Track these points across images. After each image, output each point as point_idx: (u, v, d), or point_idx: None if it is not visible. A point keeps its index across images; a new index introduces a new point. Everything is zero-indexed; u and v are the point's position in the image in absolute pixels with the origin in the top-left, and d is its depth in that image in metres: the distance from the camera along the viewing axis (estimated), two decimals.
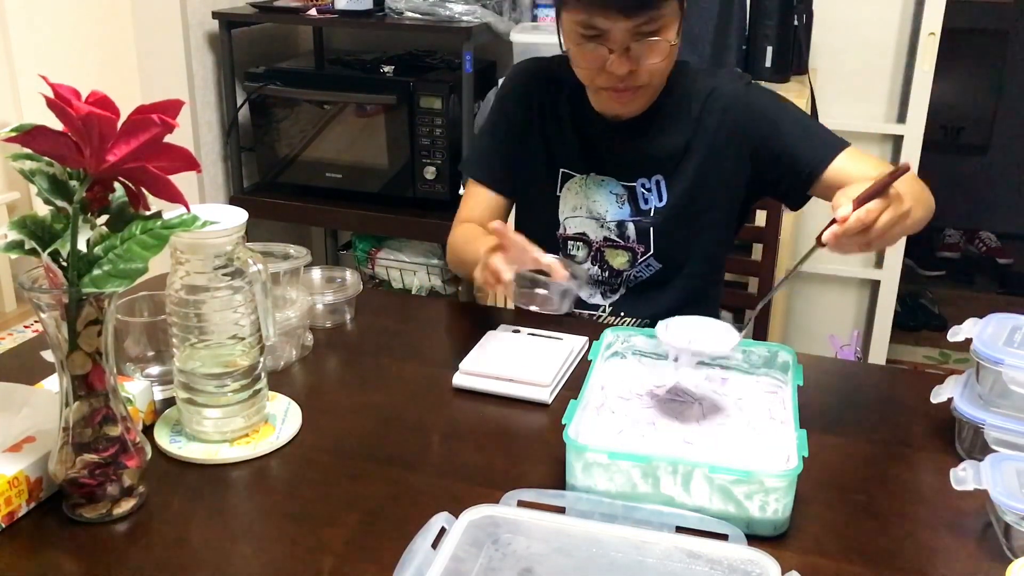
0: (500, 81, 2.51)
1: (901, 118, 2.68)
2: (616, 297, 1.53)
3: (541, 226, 1.53)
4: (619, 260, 1.51)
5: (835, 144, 1.40)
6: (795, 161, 1.40)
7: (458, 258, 1.51)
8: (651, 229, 1.48)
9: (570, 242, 1.53)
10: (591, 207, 1.50)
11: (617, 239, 1.50)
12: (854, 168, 1.36)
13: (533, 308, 1.23)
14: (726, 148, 1.44)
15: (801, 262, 1.14)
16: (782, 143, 1.41)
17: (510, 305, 2.25)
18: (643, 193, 1.47)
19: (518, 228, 1.61)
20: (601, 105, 1.45)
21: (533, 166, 1.53)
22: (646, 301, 1.52)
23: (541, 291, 1.21)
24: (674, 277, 1.51)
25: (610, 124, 1.46)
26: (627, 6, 1.27)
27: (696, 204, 1.47)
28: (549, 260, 1.20)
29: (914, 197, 1.24)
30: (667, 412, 1.14)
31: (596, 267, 1.52)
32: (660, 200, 1.47)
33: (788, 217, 2.27)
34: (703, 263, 1.52)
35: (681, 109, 1.45)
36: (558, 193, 1.52)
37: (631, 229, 1.49)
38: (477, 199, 1.55)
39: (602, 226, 1.50)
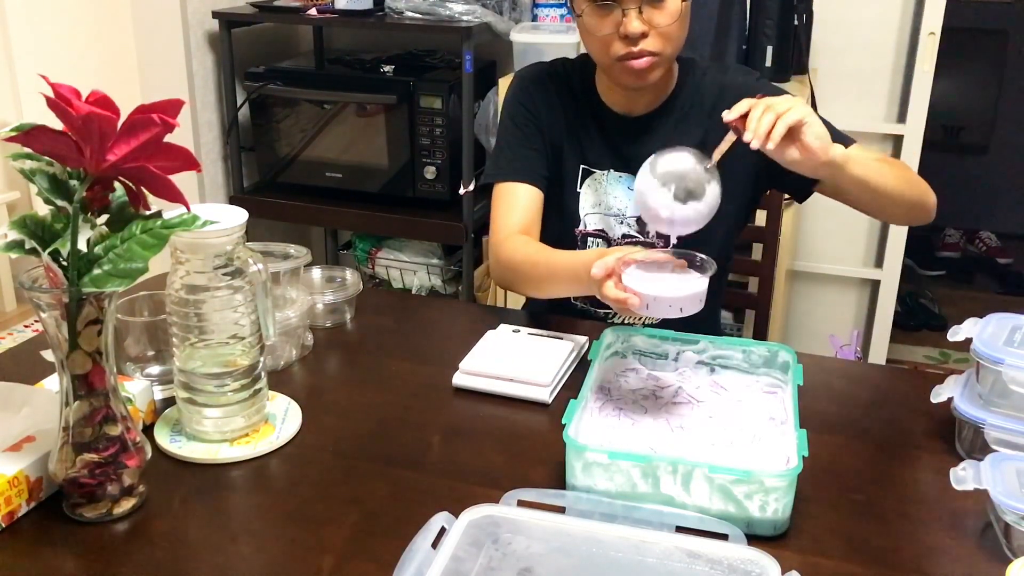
0: (500, 82, 2.52)
1: (901, 118, 2.67)
2: None
3: (561, 224, 1.53)
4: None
5: (842, 142, 1.39)
6: None
7: (529, 271, 1.42)
8: None
9: (589, 239, 1.52)
10: (610, 203, 1.50)
11: (637, 234, 1.50)
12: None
13: (670, 312, 1.11)
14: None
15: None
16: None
17: (511, 305, 2.26)
18: None
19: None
20: (616, 87, 1.45)
21: (555, 162, 1.52)
22: None
23: (666, 293, 1.10)
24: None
25: (627, 120, 1.48)
26: None
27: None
28: (655, 255, 1.15)
29: (897, 176, 1.34)
30: (667, 412, 1.14)
31: None
32: None
33: (788, 217, 2.27)
34: (716, 253, 1.52)
35: (694, 104, 1.47)
36: (578, 189, 1.51)
37: None
38: (516, 201, 1.48)
39: (621, 222, 1.50)
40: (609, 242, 1.51)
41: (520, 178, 1.49)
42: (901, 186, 1.36)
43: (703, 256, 1.15)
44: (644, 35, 1.33)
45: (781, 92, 1.46)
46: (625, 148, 1.48)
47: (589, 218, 1.51)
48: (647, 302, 1.10)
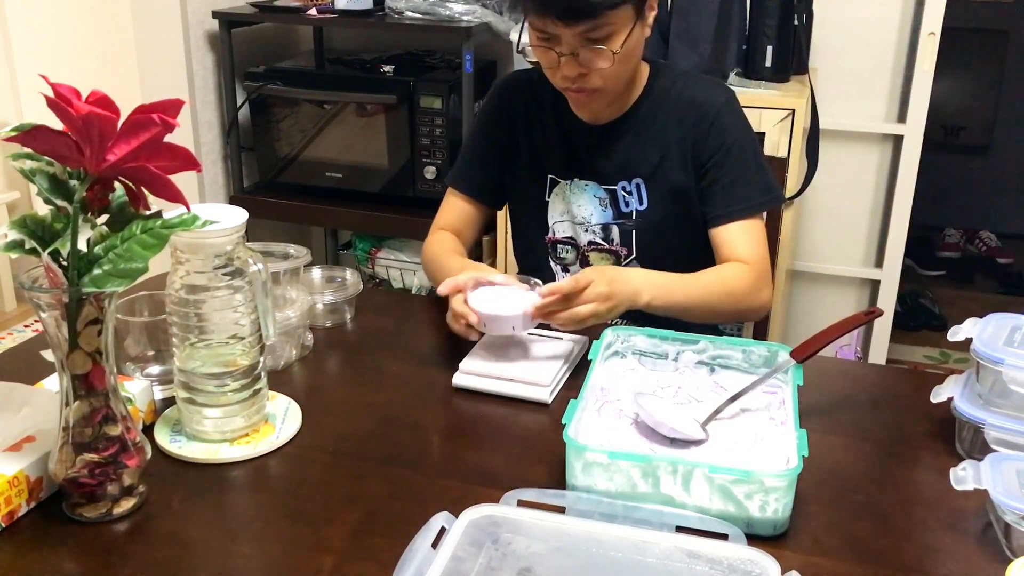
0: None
1: (901, 118, 2.67)
2: None
3: (533, 232, 1.57)
4: (602, 264, 1.52)
5: (746, 208, 1.43)
6: (711, 199, 1.45)
7: (429, 268, 1.57)
8: (633, 232, 1.49)
9: (559, 246, 1.55)
10: (575, 211, 1.52)
11: (602, 242, 1.51)
12: (734, 240, 1.42)
13: (504, 329, 1.25)
14: (693, 154, 1.46)
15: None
16: (714, 176, 1.44)
17: None
18: (624, 196, 1.48)
19: (512, 235, 1.63)
20: (572, 107, 1.48)
21: (521, 175, 1.55)
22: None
23: (502, 313, 1.24)
24: None
25: (591, 129, 1.49)
26: (567, 15, 1.30)
27: (675, 207, 1.48)
28: (505, 279, 1.29)
29: (708, 302, 1.38)
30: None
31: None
32: (641, 203, 1.48)
33: (788, 217, 2.27)
34: (684, 267, 1.53)
35: (659, 113, 1.46)
36: (547, 199, 1.53)
37: (615, 232, 1.50)
38: (453, 207, 1.60)
39: (587, 230, 1.52)
40: (578, 249, 1.53)
41: (460, 187, 1.59)
42: (707, 311, 1.40)
43: (536, 280, 1.30)
44: (582, 75, 1.34)
45: (742, 123, 1.46)
46: (588, 157, 1.50)
47: (558, 226, 1.54)
48: (484, 320, 1.24)
